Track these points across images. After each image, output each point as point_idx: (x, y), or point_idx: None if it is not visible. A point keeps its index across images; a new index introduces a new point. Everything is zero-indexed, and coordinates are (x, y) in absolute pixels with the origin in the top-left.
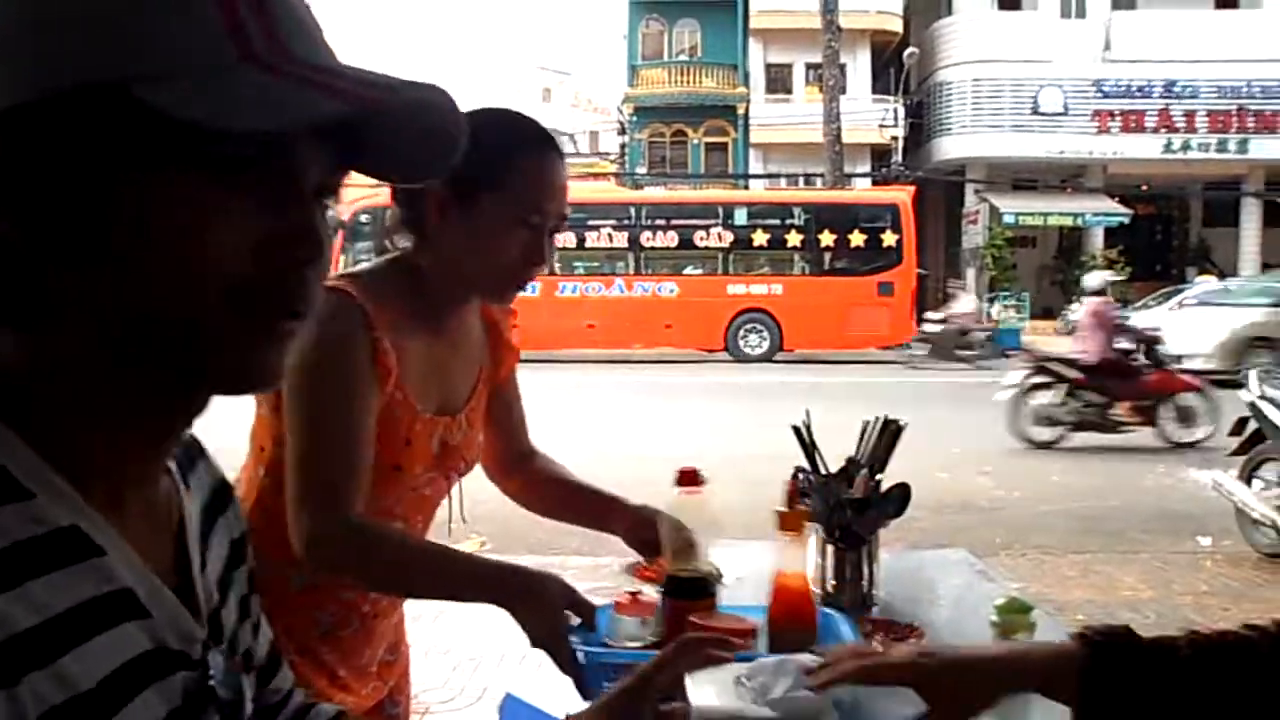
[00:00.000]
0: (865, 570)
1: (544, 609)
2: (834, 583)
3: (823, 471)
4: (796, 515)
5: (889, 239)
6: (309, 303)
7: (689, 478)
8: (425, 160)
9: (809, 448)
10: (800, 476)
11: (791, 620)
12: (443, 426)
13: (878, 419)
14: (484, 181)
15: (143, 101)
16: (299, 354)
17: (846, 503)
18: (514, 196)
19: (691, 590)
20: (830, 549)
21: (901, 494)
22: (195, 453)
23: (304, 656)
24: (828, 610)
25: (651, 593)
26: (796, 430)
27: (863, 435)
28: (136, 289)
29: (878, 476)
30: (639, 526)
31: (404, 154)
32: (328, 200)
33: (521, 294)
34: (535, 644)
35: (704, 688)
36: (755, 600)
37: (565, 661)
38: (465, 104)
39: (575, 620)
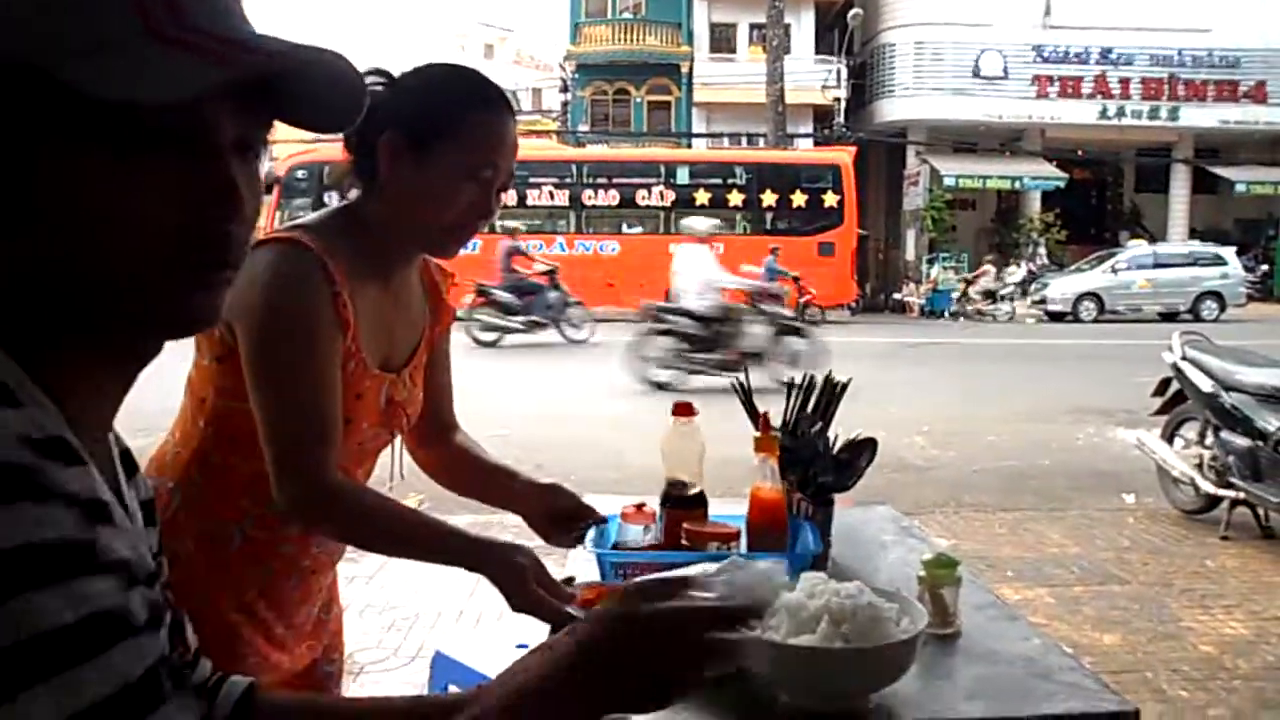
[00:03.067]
0: (830, 525)
1: (522, 578)
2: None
3: (789, 428)
4: (770, 439)
5: (830, 199)
6: (237, 253)
7: (683, 409)
8: (333, 112)
9: (748, 404)
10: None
11: (766, 526)
12: (388, 382)
13: (809, 376)
14: (439, 133)
15: (55, 78)
16: (263, 307)
17: (824, 459)
18: (467, 149)
19: (686, 502)
20: (802, 505)
21: (871, 448)
22: None
23: (243, 614)
24: (797, 518)
25: (652, 506)
26: (734, 387)
27: (789, 394)
28: (69, 253)
29: (834, 433)
30: (540, 502)
31: (315, 108)
32: (253, 153)
33: (462, 251)
34: (516, 608)
35: None
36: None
37: (547, 616)
38: (410, 61)
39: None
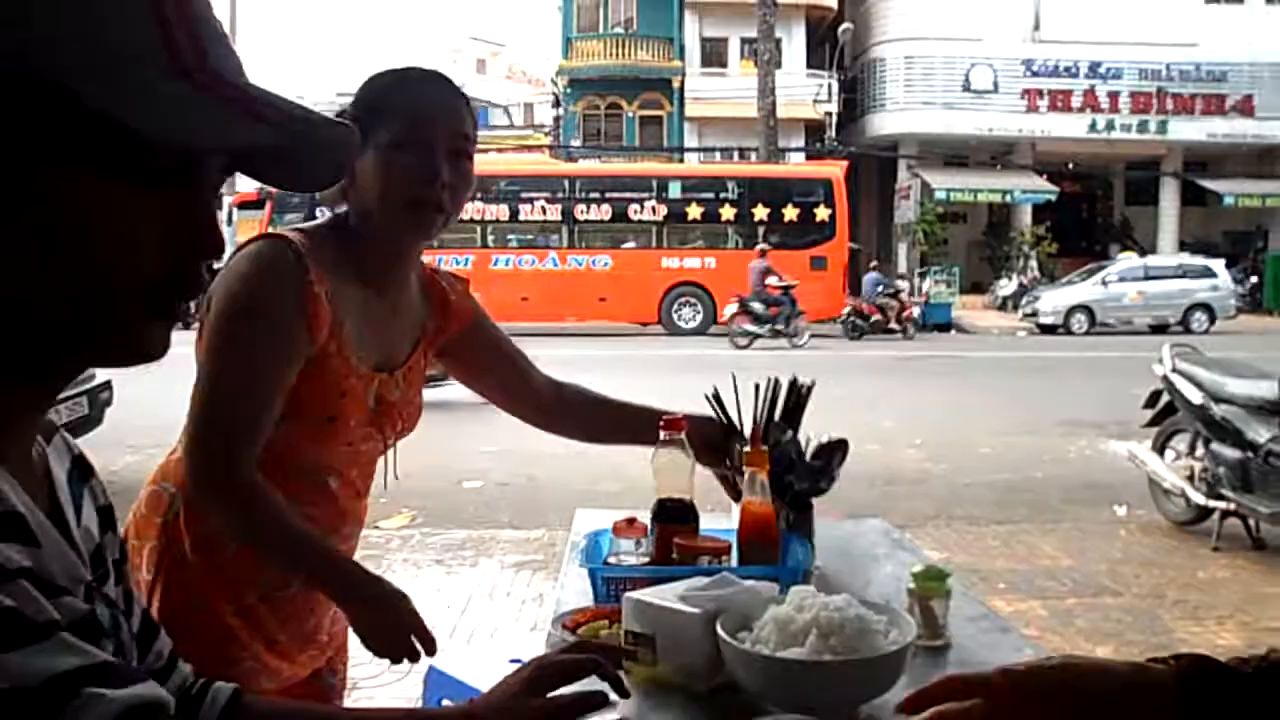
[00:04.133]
0: (811, 531)
1: (388, 623)
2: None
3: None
4: (760, 453)
5: (822, 213)
6: (201, 290)
7: (673, 424)
8: (310, 179)
9: (722, 415)
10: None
11: (757, 540)
12: (379, 382)
13: (773, 379)
14: (372, 120)
15: (77, 99)
16: (228, 288)
17: (797, 465)
18: (388, 121)
19: (677, 517)
20: (782, 513)
21: (842, 450)
22: (50, 428)
23: (242, 618)
24: (789, 532)
25: (628, 544)
26: (709, 398)
27: (756, 398)
28: (44, 273)
29: (807, 437)
30: (697, 430)
31: (295, 171)
32: (216, 194)
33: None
34: (373, 650)
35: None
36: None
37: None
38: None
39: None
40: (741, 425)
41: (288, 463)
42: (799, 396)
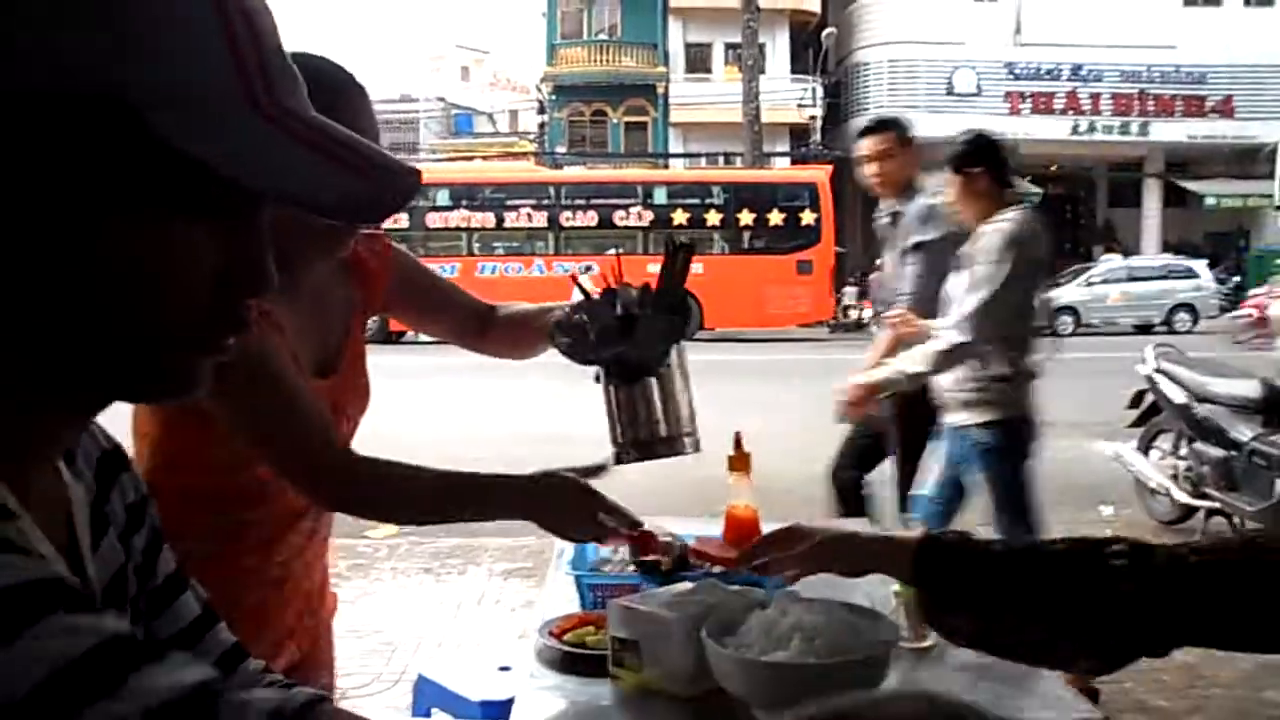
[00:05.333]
0: (666, 404)
1: (570, 512)
2: (624, 429)
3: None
4: (744, 457)
5: (807, 218)
6: (248, 326)
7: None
8: (363, 217)
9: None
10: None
11: (741, 545)
12: (328, 389)
13: (670, 242)
14: None
15: (153, 130)
16: None
17: (614, 326)
18: None
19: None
20: (613, 389)
21: (680, 304)
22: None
23: None
24: None
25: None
26: (573, 280)
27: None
28: (95, 312)
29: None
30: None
31: (350, 210)
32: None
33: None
34: (575, 538)
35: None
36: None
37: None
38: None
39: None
40: (738, 436)
41: (244, 475)
42: (682, 259)
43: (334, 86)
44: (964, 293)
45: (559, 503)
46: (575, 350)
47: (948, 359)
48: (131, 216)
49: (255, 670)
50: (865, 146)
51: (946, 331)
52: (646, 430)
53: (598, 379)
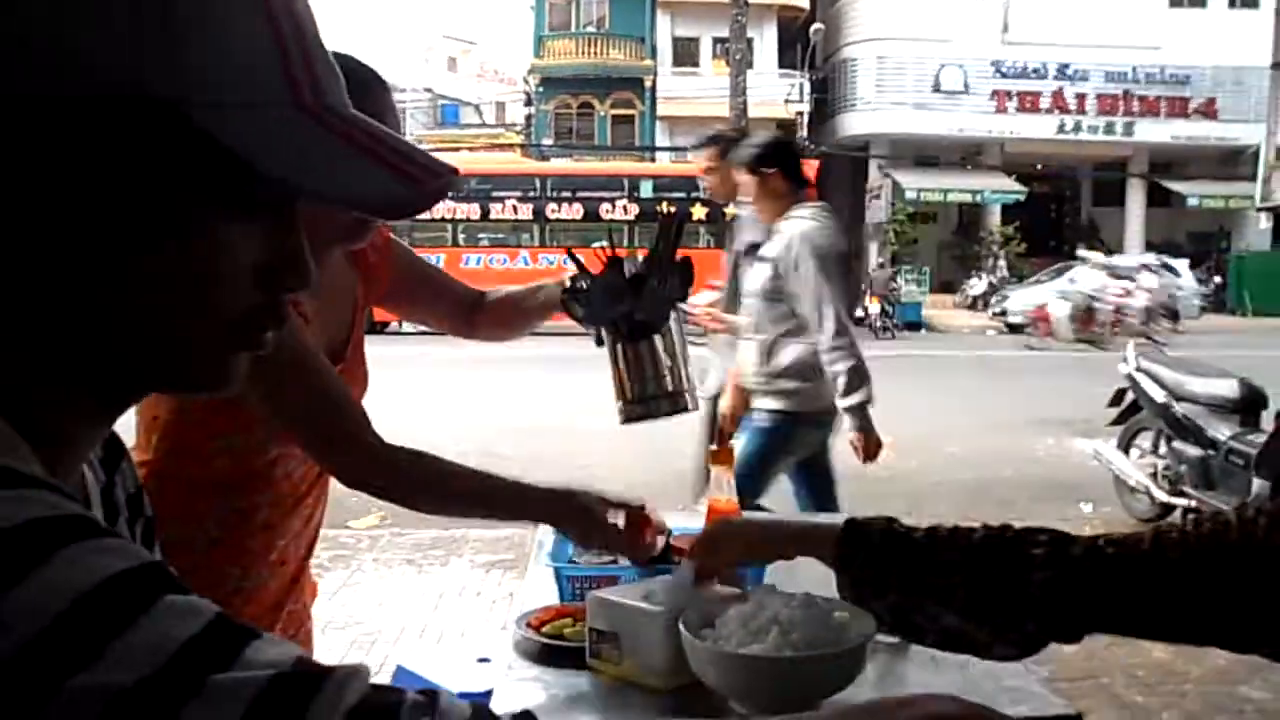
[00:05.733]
0: (669, 360)
1: (593, 523)
2: (633, 385)
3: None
4: (727, 451)
5: None
6: (284, 321)
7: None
8: (398, 213)
9: (581, 268)
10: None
11: None
12: (339, 372)
13: (664, 213)
14: None
15: (202, 130)
16: None
17: (623, 287)
18: None
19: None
20: (620, 348)
21: (683, 267)
22: None
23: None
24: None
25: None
26: (569, 253)
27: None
28: (136, 306)
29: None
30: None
31: (384, 207)
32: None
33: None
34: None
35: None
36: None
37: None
38: (372, 79)
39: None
40: (723, 430)
41: (255, 461)
42: (677, 228)
43: (363, 81)
44: (810, 309)
45: (590, 518)
46: (590, 313)
47: (857, 375)
48: (179, 217)
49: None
50: (699, 160)
51: (831, 355)
52: (654, 385)
53: (600, 342)
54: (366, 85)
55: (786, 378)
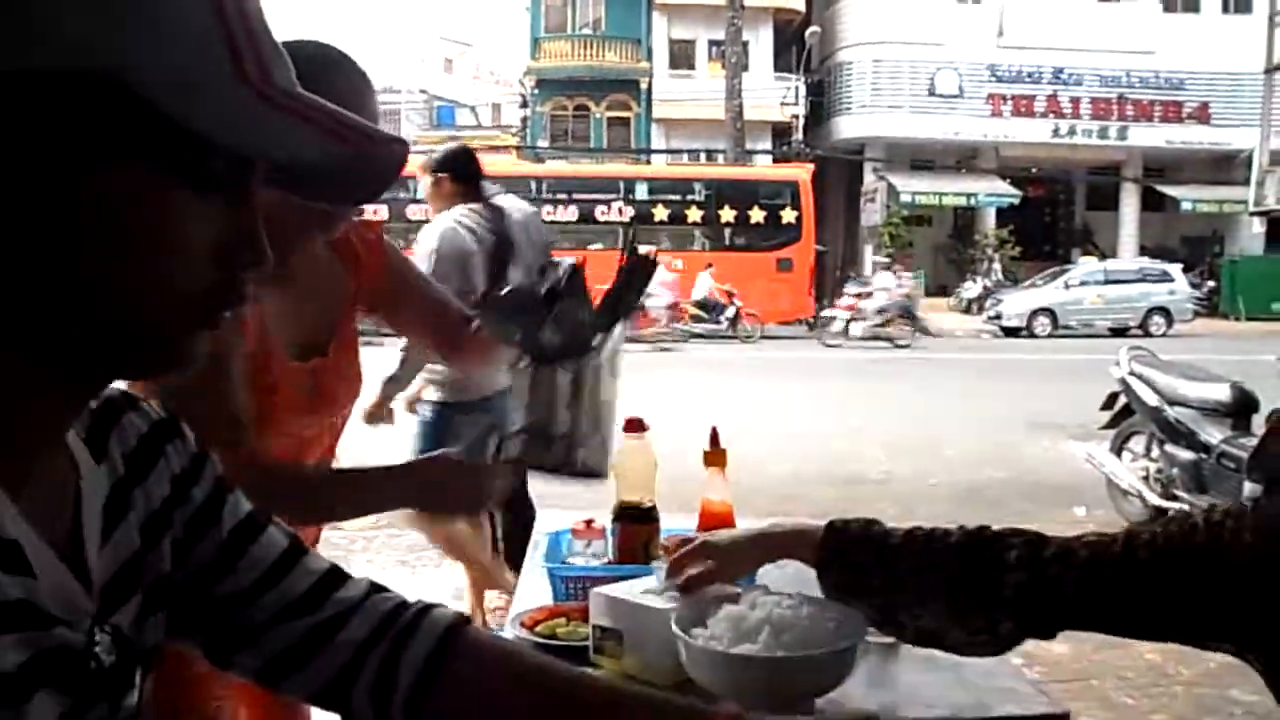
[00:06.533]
0: (560, 398)
1: (451, 492)
2: (526, 413)
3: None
4: (719, 452)
5: (789, 216)
6: (244, 300)
7: (634, 425)
8: (352, 194)
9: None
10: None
11: None
12: (312, 371)
13: (631, 245)
14: None
15: (148, 103)
16: None
17: (537, 298)
18: None
19: (638, 518)
20: (531, 370)
21: (619, 306)
22: (120, 405)
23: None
24: None
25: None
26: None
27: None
28: (93, 285)
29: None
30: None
31: (338, 186)
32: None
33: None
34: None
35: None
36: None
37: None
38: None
39: None
40: (714, 431)
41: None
42: (642, 273)
43: (325, 64)
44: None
45: (438, 483)
46: (498, 319)
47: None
48: (123, 185)
49: (359, 591)
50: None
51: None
52: (543, 423)
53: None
54: (330, 67)
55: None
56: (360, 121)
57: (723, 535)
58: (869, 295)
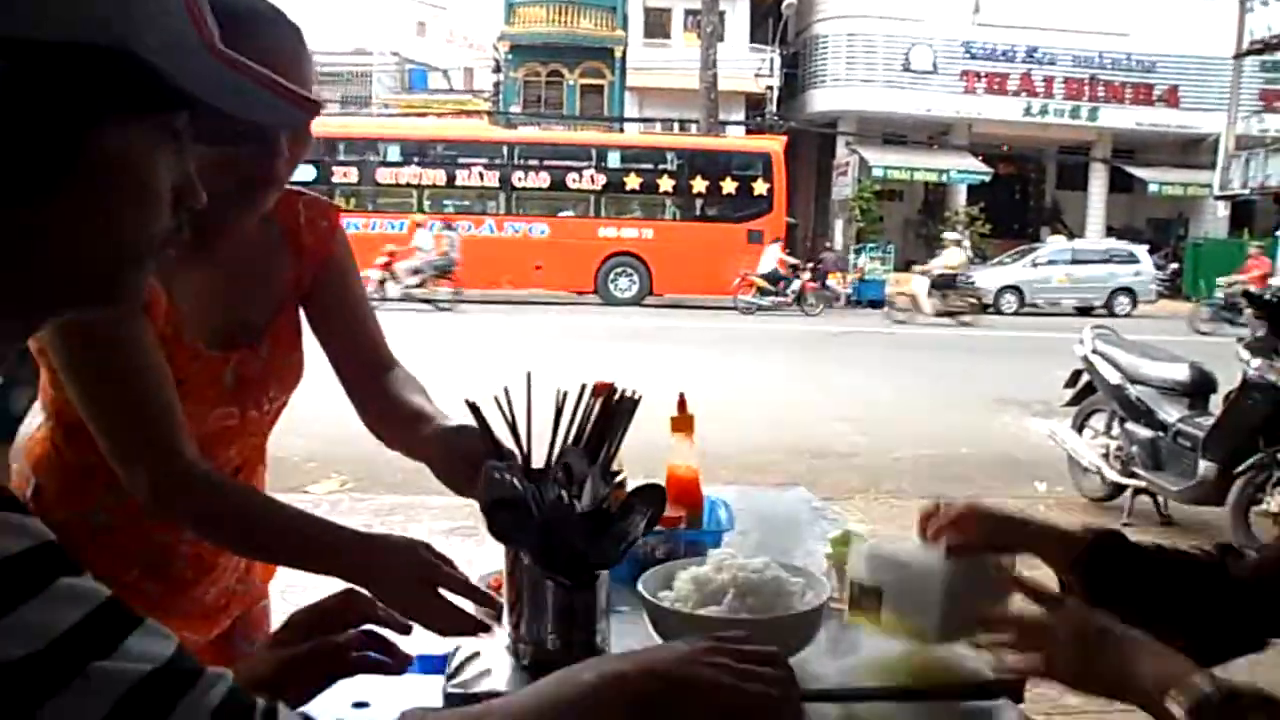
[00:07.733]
0: (594, 617)
1: (394, 582)
2: (554, 636)
3: (522, 462)
4: (687, 418)
5: (760, 187)
6: (181, 237)
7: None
8: (246, 141)
9: (511, 425)
10: (495, 474)
11: (681, 503)
12: (235, 360)
13: (584, 386)
14: None
15: (145, 64)
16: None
17: (576, 520)
18: None
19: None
20: (550, 589)
21: (656, 498)
22: None
23: (128, 590)
24: (711, 497)
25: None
26: (469, 405)
27: (559, 408)
28: (74, 229)
29: (618, 477)
30: (444, 447)
31: (245, 137)
32: None
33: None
34: (413, 618)
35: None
36: None
37: (431, 621)
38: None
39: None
40: (682, 396)
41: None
42: (620, 408)
43: (259, 20)
44: None
45: (393, 571)
46: (522, 540)
47: None
48: (132, 144)
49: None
50: None
51: None
52: (546, 640)
53: (498, 536)
54: (263, 23)
55: None
56: (286, 85)
57: (993, 508)
58: (398, 257)
